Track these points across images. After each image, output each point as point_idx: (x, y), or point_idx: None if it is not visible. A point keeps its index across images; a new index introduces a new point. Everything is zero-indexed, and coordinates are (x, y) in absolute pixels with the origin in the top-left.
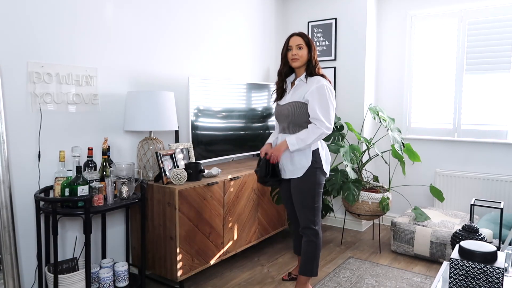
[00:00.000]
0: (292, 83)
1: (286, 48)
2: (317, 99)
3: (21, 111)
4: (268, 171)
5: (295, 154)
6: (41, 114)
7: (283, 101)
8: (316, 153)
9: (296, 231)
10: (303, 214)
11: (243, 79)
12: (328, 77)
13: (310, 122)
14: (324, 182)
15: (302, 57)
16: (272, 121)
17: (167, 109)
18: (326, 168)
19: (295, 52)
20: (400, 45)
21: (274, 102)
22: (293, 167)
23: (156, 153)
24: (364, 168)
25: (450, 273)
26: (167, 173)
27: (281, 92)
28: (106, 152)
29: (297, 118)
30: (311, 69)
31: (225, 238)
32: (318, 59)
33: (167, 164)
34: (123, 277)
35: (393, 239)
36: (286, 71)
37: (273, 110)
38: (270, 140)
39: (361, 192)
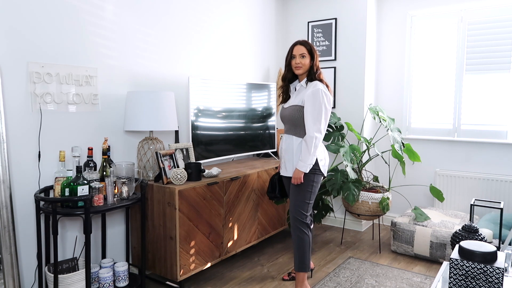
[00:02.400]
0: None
1: (290, 56)
2: (311, 102)
3: (21, 111)
4: (273, 187)
5: (295, 154)
6: (41, 114)
7: (286, 105)
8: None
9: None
10: (296, 208)
11: (243, 79)
12: (327, 82)
13: None
14: (321, 181)
15: (304, 65)
16: (272, 121)
17: (167, 109)
18: (324, 169)
19: (298, 60)
20: (400, 45)
21: (279, 105)
22: (290, 166)
23: (156, 153)
24: (364, 168)
25: (450, 273)
26: (167, 173)
27: (285, 96)
28: (106, 152)
29: (297, 121)
30: (312, 75)
31: (225, 238)
32: (319, 59)
33: (167, 164)
34: (123, 277)
35: (393, 239)
36: (290, 77)
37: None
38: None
39: (361, 192)
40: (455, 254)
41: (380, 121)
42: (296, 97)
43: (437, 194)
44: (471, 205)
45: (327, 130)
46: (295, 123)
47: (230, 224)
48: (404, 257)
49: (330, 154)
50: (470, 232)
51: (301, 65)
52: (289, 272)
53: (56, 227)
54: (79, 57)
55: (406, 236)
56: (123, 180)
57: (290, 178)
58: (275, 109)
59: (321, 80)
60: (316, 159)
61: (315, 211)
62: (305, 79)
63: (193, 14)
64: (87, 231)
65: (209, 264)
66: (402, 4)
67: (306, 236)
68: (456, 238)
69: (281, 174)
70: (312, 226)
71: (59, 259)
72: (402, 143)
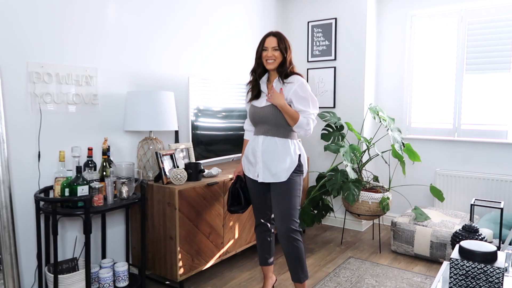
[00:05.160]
0: (269, 85)
1: (262, 49)
2: (302, 97)
3: (21, 111)
4: (235, 199)
5: (281, 157)
6: (41, 114)
7: (260, 103)
8: (300, 158)
9: (264, 237)
10: (289, 217)
11: (243, 79)
12: (302, 75)
13: None
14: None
15: (277, 58)
16: None
17: (167, 109)
18: (305, 168)
19: (270, 53)
20: (400, 45)
21: (249, 102)
22: (276, 170)
23: (156, 153)
24: (364, 168)
25: (450, 273)
26: (167, 173)
27: (256, 92)
28: (106, 152)
29: (281, 120)
30: (286, 70)
31: (225, 238)
32: (318, 59)
33: (167, 164)
34: (123, 277)
35: (393, 239)
36: (260, 71)
37: (248, 111)
38: (245, 150)
39: (361, 192)
40: (455, 254)
41: (380, 121)
42: None
43: (437, 194)
44: (471, 205)
45: (327, 130)
46: (278, 123)
47: (231, 224)
48: (404, 257)
49: (330, 154)
50: (470, 232)
51: (274, 58)
52: None
53: (56, 227)
54: (79, 57)
55: (406, 236)
56: (123, 180)
57: (271, 184)
58: None
59: (298, 74)
60: (305, 164)
61: (315, 211)
62: (279, 75)
63: (193, 14)
64: (87, 231)
65: (209, 264)
66: (402, 4)
67: (301, 243)
68: (456, 238)
69: (261, 181)
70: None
71: (59, 259)
72: (402, 143)
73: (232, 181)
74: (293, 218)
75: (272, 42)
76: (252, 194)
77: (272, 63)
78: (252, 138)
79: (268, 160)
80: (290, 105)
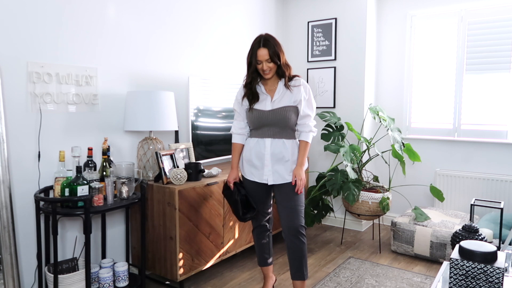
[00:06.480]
0: (266, 86)
1: (256, 61)
2: (307, 99)
3: (21, 111)
4: (244, 206)
5: (291, 158)
6: (41, 114)
7: (265, 107)
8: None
9: (264, 238)
10: (297, 216)
11: (243, 79)
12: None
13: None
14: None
15: (273, 68)
16: None
17: (167, 109)
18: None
19: (265, 67)
20: (400, 45)
21: (252, 107)
22: (288, 171)
23: (156, 153)
24: (364, 168)
25: (450, 273)
26: (167, 173)
27: (254, 98)
28: (106, 152)
29: (291, 123)
30: (288, 74)
31: (225, 238)
32: (318, 59)
33: (167, 164)
34: (123, 277)
35: (393, 239)
36: (257, 82)
37: (248, 117)
38: (239, 158)
39: (361, 192)
40: (455, 254)
41: (380, 121)
42: (283, 98)
43: (437, 194)
44: (471, 205)
45: (327, 130)
46: (286, 125)
47: (231, 224)
48: (404, 257)
49: (330, 154)
50: (470, 232)
51: (269, 69)
52: None
53: (56, 227)
54: (79, 57)
55: (406, 236)
56: (123, 180)
57: (277, 185)
58: None
59: (298, 76)
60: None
61: (315, 211)
62: (283, 79)
63: (193, 14)
64: (87, 231)
65: (209, 264)
66: (402, 4)
67: (306, 239)
68: (456, 238)
69: (270, 184)
70: None
71: (59, 259)
72: (402, 143)
73: (232, 189)
74: (301, 215)
75: (264, 54)
76: (255, 197)
77: (268, 73)
78: (254, 142)
79: (277, 162)
80: (297, 107)
